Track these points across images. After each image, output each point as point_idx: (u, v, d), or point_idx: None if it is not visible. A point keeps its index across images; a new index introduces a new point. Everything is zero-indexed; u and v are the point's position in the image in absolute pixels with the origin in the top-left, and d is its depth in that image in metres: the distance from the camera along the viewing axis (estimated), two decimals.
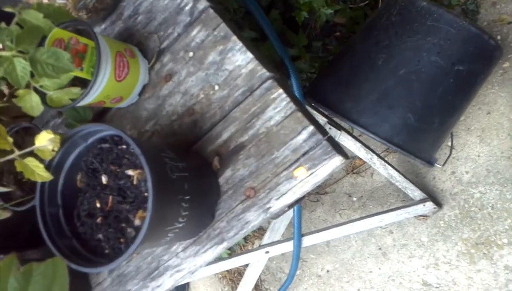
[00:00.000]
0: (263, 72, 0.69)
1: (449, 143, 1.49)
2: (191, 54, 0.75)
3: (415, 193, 1.41)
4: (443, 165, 1.39)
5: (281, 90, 0.67)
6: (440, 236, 1.48)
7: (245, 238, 1.89)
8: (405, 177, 1.37)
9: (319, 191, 1.76)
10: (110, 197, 0.66)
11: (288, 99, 0.67)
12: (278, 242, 1.35)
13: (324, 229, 1.39)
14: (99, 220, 0.65)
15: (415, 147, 1.19)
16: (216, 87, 0.73)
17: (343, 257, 1.64)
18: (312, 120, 0.65)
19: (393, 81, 1.16)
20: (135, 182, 0.63)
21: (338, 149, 0.63)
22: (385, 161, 1.34)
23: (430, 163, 1.24)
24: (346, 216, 1.68)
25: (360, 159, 1.64)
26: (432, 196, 1.48)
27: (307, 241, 1.37)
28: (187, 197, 0.64)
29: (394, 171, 1.35)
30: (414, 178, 1.54)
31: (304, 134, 0.65)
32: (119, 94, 0.77)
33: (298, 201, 0.68)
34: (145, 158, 0.57)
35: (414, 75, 1.16)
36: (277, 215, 0.68)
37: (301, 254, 1.69)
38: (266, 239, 1.39)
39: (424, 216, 1.50)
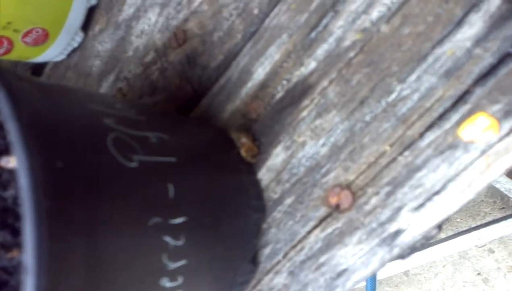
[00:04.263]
0: None
1: None
2: None
3: None
4: None
5: None
6: None
7: None
8: (507, 175, 0.99)
9: None
10: None
11: None
12: None
13: None
14: None
15: None
16: None
17: (428, 288, 1.20)
18: None
19: None
20: None
21: None
22: None
23: None
24: None
25: None
26: None
27: (381, 271, 0.98)
28: (180, 220, 0.24)
29: None
30: None
31: (475, 24, 0.24)
32: (36, 22, 0.38)
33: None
34: (15, 109, 0.17)
35: None
36: (410, 250, 0.27)
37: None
38: None
39: None
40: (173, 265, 0.24)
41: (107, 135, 0.22)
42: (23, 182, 0.17)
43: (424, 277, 1.22)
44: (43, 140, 0.18)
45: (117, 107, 0.25)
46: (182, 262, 0.24)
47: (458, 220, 1.24)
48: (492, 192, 1.19)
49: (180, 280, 0.24)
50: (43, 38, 0.40)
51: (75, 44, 0.42)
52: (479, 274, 1.16)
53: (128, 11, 0.38)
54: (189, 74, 0.34)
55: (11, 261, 0.25)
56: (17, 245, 0.24)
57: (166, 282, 0.24)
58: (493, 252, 1.15)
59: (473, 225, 1.12)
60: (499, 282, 1.13)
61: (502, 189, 1.04)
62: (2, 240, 0.25)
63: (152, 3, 0.37)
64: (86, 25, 0.41)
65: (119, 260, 0.20)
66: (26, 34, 0.38)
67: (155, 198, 0.23)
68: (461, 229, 1.17)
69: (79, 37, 0.41)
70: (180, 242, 0.24)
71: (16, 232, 0.24)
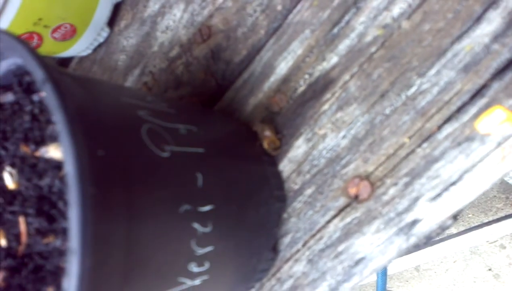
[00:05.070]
0: None
1: None
2: None
3: None
4: None
5: None
6: None
7: None
8: None
9: None
10: (22, 221, 0.27)
11: None
12: None
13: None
14: None
15: None
16: None
17: (439, 283, 1.20)
18: None
19: None
20: None
21: None
22: None
23: None
24: None
25: None
26: None
27: (392, 266, 1.00)
28: (208, 208, 0.25)
29: None
30: None
31: (494, 20, 0.25)
32: (65, 18, 0.39)
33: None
34: (62, 102, 0.19)
35: None
36: (426, 240, 0.28)
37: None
38: None
39: None
40: (200, 251, 0.25)
41: (141, 127, 0.23)
42: (70, 170, 0.18)
43: (435, 272, 1.23)
44: (86, 130, 0.19)
45: (149, 100, 0.26)
46: (209, 248, 0.25)
47: (470, 215, 1.23)
48: (505, 188, 1.18)
49: (206, 265, 0.26)
50: (71, 34, 0.41)
51: (101, 39, 0.43)
52: (490, 269, 1.16)
53: (153, 7, 0.40)
54: (213, 69, 0.35)
55: (47, 246, 0.26)
56: (53, 231, 0.26)
57: (193, 267, 0.25)
58: (504, 247, 1.15)
59: (485, 221, 1.12)
60: (510, 278, 1.13)
61: None
62: (38, 226, 0.26)
63: None
64: (112, 21, 0.43)
65: (153, 243, 0.22)
66: (55, 30, 0.40)
67: (185, 186, 0.24)
68: (472, 225, 1.17)
69: (105, 33, 0.43)
70: (207, 229, 0.25)
71: (51, 219, 0.26)
